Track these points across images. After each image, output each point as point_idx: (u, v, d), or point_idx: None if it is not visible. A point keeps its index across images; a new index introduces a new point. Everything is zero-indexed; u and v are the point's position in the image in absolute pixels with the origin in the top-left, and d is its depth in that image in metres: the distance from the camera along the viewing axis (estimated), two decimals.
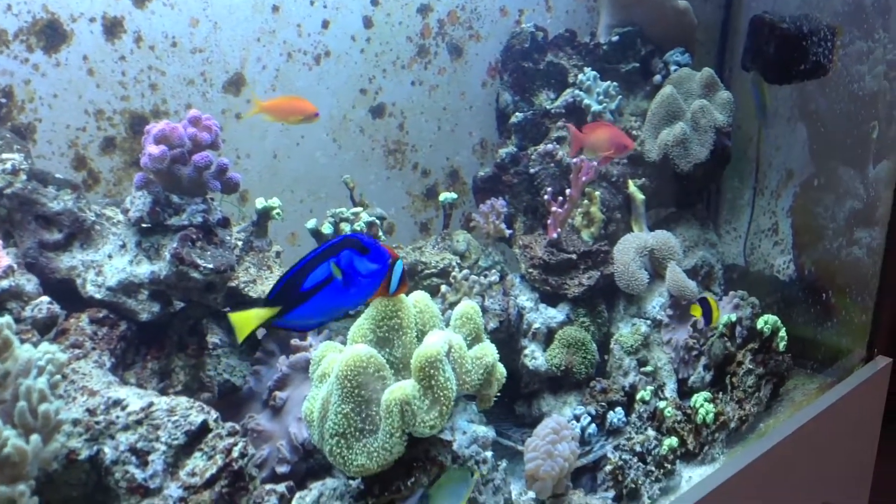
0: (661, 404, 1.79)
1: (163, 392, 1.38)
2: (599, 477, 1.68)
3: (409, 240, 2.01)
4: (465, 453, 1.50)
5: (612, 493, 1.64)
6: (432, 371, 1.25)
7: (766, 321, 1.88)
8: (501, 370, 1.43)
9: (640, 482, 1.63)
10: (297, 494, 1.34)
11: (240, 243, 1.60)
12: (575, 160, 1.96)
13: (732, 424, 1.81)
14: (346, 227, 1.72)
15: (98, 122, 1.63)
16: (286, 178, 1.91)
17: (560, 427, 1.61)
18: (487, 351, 1.39)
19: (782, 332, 1.89)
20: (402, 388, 1.22)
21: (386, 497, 1.28)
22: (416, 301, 1.39)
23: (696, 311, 1.79)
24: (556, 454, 1.55)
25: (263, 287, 1.57)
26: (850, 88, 2.21)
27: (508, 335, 1.89)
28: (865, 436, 2.28)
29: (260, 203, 1.61)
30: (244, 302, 1.56)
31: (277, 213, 1.62)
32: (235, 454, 1.24)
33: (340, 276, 1.17)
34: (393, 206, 2.10)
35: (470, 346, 1.40)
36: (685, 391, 1.92)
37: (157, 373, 1.42)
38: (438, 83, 2.15)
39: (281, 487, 1.36)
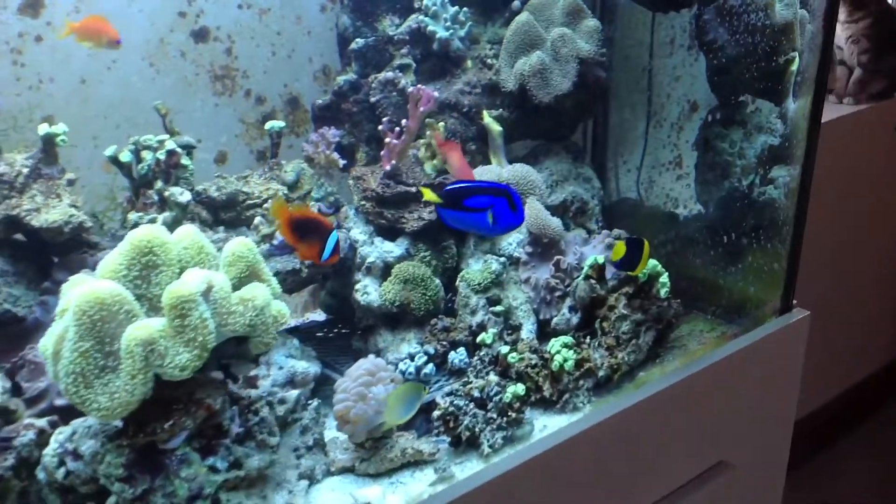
0: (504, 349, 1.67)
1: None
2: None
3: (244, 168, 1.94)
4: (249, 395, 1.45)
5: (447, 438, 1.55)
6: (184, 311, 1.21)
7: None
8: (280, 309, 1.39)
9: (478, 429, 1.53)
10: (57, 430, 1.31)
11: (25, 171, 1.54)
12: (412, 89, 1.89)
13: (601, 373, 1.69)
14: (147, 155, 1.65)
15: None
16: (98, 103, 1.83)
17: (376, 369, 1.54)
18: (258, 292, 1.34)
19: (663, 278, 1.76)
20: (145, 328, 1.18)
21: (141, 438, 1.25)
22: (182, 237, 1.34)
23: (620, 251, 1.67)
24: (369, 397, 1.50)
25: (48, 216, 1.52)
26: (751, 19, 2.08)
27: (343, 268, 1.85)
28: (780, 396, 2.09)
29: (42, 129, 1.54)
30: (27, 231, 1.51)
31: (62, 140, 1.55)
32: None
33: (490, 221, 1.45)
34: (224, 134, 2.03)
35: (242, 286, 1.36)
36: (548, 332, 1.82)
37: None
38: (270, 6, 2.04)
39: (42, 422, 1.33)
